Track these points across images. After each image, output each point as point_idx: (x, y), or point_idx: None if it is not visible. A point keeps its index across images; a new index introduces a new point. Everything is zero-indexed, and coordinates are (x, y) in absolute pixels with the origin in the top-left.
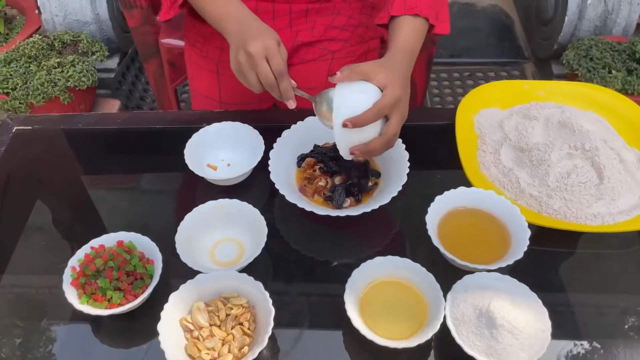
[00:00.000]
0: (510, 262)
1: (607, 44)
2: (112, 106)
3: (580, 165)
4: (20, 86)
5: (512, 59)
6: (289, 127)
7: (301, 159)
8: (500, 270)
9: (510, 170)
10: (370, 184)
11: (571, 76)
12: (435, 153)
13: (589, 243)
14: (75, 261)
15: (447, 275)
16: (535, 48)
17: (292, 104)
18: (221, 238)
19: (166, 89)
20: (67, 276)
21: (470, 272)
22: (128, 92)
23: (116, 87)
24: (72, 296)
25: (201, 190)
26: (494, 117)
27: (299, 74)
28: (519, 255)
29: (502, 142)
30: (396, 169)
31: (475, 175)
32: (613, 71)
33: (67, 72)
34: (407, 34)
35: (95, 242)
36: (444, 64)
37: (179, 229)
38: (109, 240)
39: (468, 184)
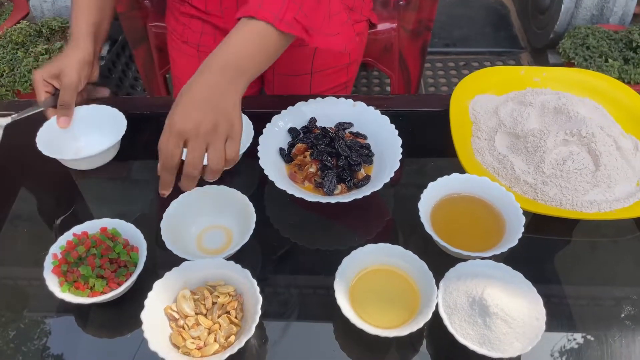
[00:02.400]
0: (505, 249)
1: (604, 33)
2: (102, 94)
3: (576, 152)
4: (6, 73)
5: (508, 48)
6: (279, 113)
7: (291, 145)
8: (494, 258)
9: (505, 157)
10: (362, 172)
11: (567, 65)
12: (429, 140)
13: (585, 231)
14: (57, 248)
15: (440, 263)
16: (532, 37)
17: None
18: (209, 225)
19: (155, 76)
20: (49, 264)
21: (464, 259)
22: (118, 80)
23: (106, 75)
24: (52, 284)
25: None
26: (489, 103)
27: (282, 61)
28: (514, 242)
29: (497, 128)
30: (389, 154)
31: (470, 162)
32: (610, 60)
33: None
34: (239, 40)
35: (77, 229)
36: (439, 53)
37: (165, 215)
38: (92, 227)
39: (462, 171)
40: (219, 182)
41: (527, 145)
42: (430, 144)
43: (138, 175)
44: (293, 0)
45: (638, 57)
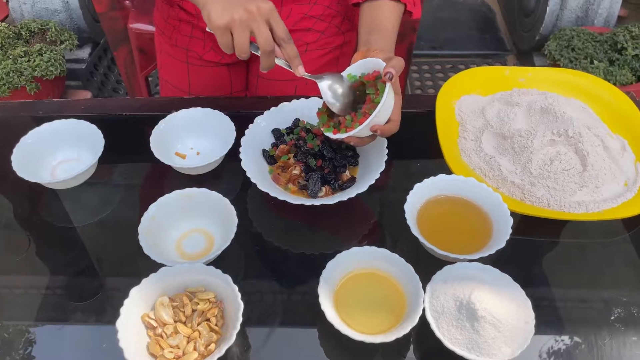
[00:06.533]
0: (492, 251)
1: (589, 35)
2: (83, 97)
3: (563, 152)
4: None
5: (494, 50)
6: (262, 114)
7: (274, 146)
8: (482, 260)
9: (492, 157)
10: (347, 174)
11: (553, 67)
12: (415, 141)
13: (574, 232)
14: None
15: (427, 266)
16: (517, 40)
17: (301, 71)
18: (189, 229)
19: (137, 78)
20: None
21: (451, 262)
22: (100, 83)
23: (87, 78)
24: None
25: (169, 180)
26: (475, 103)
27: None
28: (501, 244)
29: (484, 129)
30: (374, 156)
31: (456, 163)
32: (595, 61)
33: (34, 61)
34: (388, 13)
35: None
36: (425, 55)
37: (142, 219)
38: None
39: (449, 172)
40: (199, 184)
41: (514, 145)
42: (416, 145)
43: (117, 178)
44: None
45: (623, 59)
